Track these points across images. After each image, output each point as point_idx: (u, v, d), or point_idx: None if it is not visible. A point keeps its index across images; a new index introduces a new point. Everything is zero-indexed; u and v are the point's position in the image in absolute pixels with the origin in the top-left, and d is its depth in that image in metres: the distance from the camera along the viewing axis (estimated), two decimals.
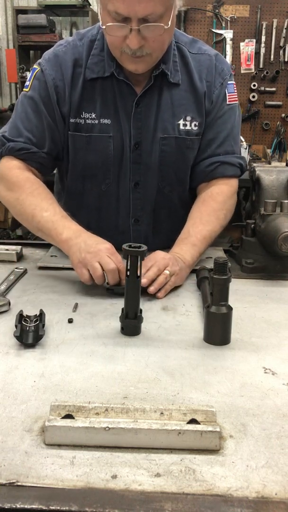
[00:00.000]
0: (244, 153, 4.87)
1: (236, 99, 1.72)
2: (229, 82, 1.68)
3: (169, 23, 1.40)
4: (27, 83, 1.65)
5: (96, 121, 1.60)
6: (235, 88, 1.71)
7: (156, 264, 1.37)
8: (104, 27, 1.41)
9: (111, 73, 1.56)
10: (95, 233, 1.45)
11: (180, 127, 1.63)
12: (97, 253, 1.34)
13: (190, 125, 1.64)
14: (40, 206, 1.51)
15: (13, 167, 1.61)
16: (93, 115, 1.60)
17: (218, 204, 1.64)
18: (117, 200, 1.71)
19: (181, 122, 1.63)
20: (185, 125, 1.64)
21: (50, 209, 1.50)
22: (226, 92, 1.67)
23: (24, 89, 1.67)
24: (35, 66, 1.65)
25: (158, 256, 1.41)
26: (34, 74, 1.64)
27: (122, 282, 1.33)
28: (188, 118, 1.64)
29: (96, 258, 1.33)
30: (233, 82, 1.71)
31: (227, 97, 1.68)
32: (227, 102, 1.68)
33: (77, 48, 1.60)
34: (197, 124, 1.65)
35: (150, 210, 1.74)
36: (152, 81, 1.58)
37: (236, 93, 1.72)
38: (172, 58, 1.60)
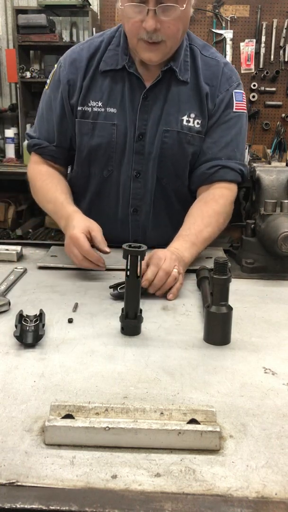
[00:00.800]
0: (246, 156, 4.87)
1: (244, 108, 1.74)
2: (237, 90, 1.71)
3: (185, 5, 1.46)
4: (47, 80, 1.79)
5: (102, 109, 1.68)
6: (244, 98, 1.73)
7: (163, 268, 1.35)
8: (122, 7, 1.50)
9: (123, 66, 1.64)
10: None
11: (184, 123, 1.68)
12: (71, 240, 1.44)
13: (193, 122, 1.68)
14: (46, 199, 1.68)
15: (33, 162, 1.82)
16: (100, 104, 1.68)
17: (220, 207, 1.65)
18: (117, 188, 1.77)
19: (185, 118, 1.68)
20: (188, 121, 1.68)
21: (52, 199, 1.65)
22: (234, 99, 1.70)
23: (45, 86, 1.81)
24: (55, 65, 1.78)
25: (165, 255, 1.39)
26: (52, 72, 1.77)
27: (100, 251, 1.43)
28: (192, 115, 1.68)
29: (71, 246, 1.44)
30: (243, 91, 1.73)
31: (234, 104, 1.70)
32: (234, 110, 1.70)
33: (94, 44, 1.70)
34: (199, 122, 1.68)
35: (149, 202, 1.77)
36: (161, 76, 1.64)
37: (244, 103, 1.74)
38: (184, 57, 1.66)
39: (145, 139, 1.68)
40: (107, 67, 1.66)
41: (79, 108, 1.70)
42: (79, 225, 1.46)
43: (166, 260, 1.38)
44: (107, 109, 1.68)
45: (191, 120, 1.68)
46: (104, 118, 1.68)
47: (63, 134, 1.75)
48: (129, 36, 1.57)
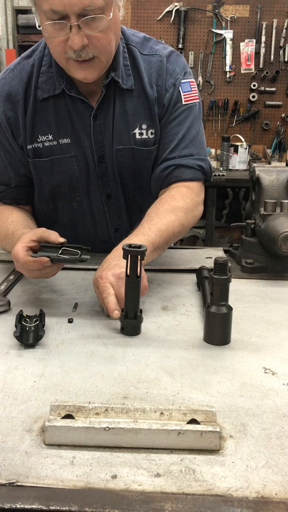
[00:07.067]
0: (244, 153, 4.87)
1: (195, 97, 1.59)
2: (183, 80, 1.57)
3: (111, 13, 1.32)
4: None
5: (55, 142, 1.54)
6: (192, 86, 1.59)
7: (115, 289, 1.23)
8: (40, 28, 1.35)
9: (62, 90, 1.50)
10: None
11: (136, 137, 1.56)
12: (17, 263, 1.29)
13: (147, 134, 1.56)
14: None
15: None
16: (50, 137, 1.54)
17: (177, 202, 1.51)
18: (92, 214, 1.67)
19: (137, 131, 1.56)
20: (141, 134, 1.56)
21: (3, 235, 1.53)
22: (181, 92, 1.56)
23: None
24: None
25: (103, 278, 1.26)
26: None
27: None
28: (144, 126, 1.56)
29: (21, 269, 1.31)
30: (190, 80, 1.59)
31: (183, 97, 1.56)
32: (183, 102, 1.57)
33: (26, 69, 1.54)
34: (153, 132, 1.57)
35: (127, 218, 1.70)
36: (104, 92, 1.51)
37: (195, 91, 1.59)
38: (123, 61, 1.52)
39: (105, 161, 1.57)
40: (45, 94, 1.50)
41: (29, 147, 1.54)
42: (18, 242, 1.30)
43: (107, 281, 1.25)
44: (60, 140, 1.53)
45: (144, 132, 1.55)
46: (60, 151, 1.54)
47: (19, 174, 1.60)
48: (56, 57, 1.42)
